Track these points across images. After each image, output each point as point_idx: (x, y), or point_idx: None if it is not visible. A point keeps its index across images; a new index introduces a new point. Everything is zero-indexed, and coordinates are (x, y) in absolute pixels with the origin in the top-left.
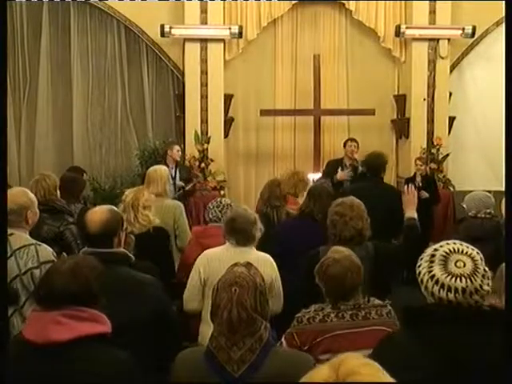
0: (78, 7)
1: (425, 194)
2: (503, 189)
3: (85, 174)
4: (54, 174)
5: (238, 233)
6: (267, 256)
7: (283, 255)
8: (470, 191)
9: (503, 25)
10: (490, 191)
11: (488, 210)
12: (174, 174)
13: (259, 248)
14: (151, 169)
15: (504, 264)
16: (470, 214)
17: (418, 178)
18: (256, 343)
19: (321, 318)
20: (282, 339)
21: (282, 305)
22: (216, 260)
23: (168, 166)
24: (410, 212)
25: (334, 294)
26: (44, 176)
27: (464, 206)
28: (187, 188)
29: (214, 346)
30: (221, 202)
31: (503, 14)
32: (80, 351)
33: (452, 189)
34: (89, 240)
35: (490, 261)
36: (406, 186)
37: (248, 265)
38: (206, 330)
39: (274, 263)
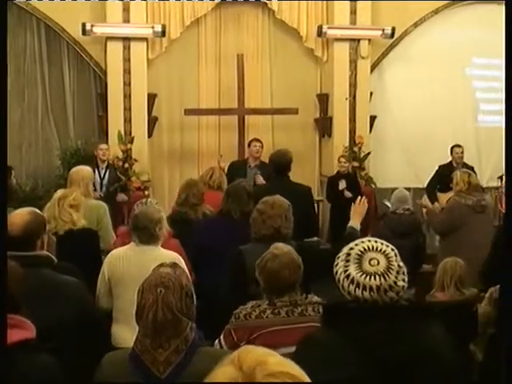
0: None
1: (348, 194)
2: (422, 185)
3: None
4: None
5: (140, 230)
6: (174, 254)
7: (203, 254)
8: (391, 188)
9: (421, 25)
10: (409, 188)
11: (406, 206)
12: (102, 175)
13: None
14: (73, 169)
15: (446, 260)
16: (389, 210)
17: (343, 185)
18: (182, 344)
19: (257, 314)
20: (221, 336)
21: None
22: (119, 259)
23: (98, 167)
24: (355, 222)
25: (269, 290)
26: None
27: (386, 203)
28: (111, 189)
29: (139, 348)
30: (146, 204)
31: (421, 15)
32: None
33: (374, 186)
34: (10, 243)
35: (409, 254)
36: (358, 198)
37: (173, 265)
38: (117, 330)
39: (183, 261)
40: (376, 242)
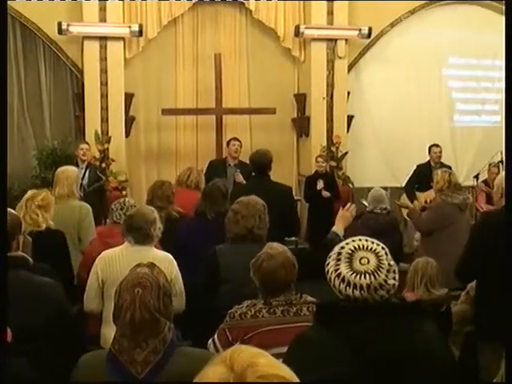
0: None
1: (326, 194)
2: (399, 185)
3: None
4: None
5: (135, 231)
6: (167, 254)
7: (179, 255)
8: (368, 188)
9: (398, 26)
10: (386, 187)
11: (383, 206)
12: (82, 175)
13: None
14: (59, 169)
15: (418, 260)
16: (366, 209)
17: (321, 185)
18: (160, 344)
19: (252, 313)
20: (215, 335)
21: (184, 303)
22: (114, 260)
23: (78, 167)
24: (338, 228)
25: (265, 289)
26: None
27: (364, 202)
28: (88, 190)
29: (117, 349)
30: (124, 204)
31: (397, 16)
32: None
33: (351, 186)
34: None
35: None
36: (348, 204)
37: (151, 265)
38: (108, 331)
39: (175, 261)
40: (367, 240)
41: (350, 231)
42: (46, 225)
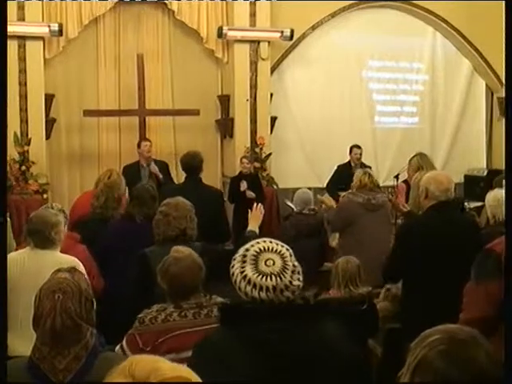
0: None
1: (251, 195)
2: (322, 185)
3: None
4: None
5: (34, 234)
6: (72, 258)
7: (106, 258)
8: (292, 188)
9: (319, 28)
10: (310, 188)
11: (312, 207)
12: None
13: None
14: None
15: (338, 260)
16: (294, 211)
17: (244, 186)
18: (82, 350)
19: (163, 317)
20: (123, 341)
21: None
22: (14, 263)
23: None
24: (253, 226)
25: (175, 293)
26: None
27: (288, 203)
28: None
29: (37, 357)
30: (52, 208)
31: (319, 18)
32: None
33: (275, 186)
34: None
35: (316, 253)
36: (254, 205)
37: (72, 270)
38: (11, 339)
39: (81, 266)
40: (271, 242)
41: (278, 232)
42: None
